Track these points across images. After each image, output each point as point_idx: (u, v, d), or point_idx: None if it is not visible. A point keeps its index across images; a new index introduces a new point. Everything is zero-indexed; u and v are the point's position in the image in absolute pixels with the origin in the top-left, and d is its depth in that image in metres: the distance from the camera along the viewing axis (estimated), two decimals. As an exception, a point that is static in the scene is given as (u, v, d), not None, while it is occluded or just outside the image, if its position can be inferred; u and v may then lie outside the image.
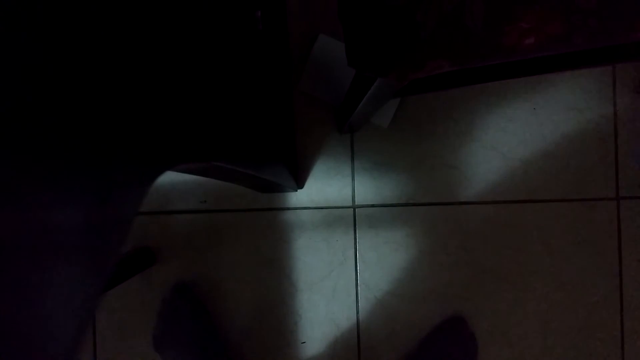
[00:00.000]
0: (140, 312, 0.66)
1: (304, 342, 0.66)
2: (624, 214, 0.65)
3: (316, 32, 0.64)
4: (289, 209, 0.66)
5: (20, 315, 0.13)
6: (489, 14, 0.26)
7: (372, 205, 0.66)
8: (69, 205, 0.15)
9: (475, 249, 0.65)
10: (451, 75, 0.40)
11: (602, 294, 0.65)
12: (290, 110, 0.65)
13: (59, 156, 0.15)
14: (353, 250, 0.66)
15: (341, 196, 0.66)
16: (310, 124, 0.66)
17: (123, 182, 0.18)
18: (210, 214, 0.66)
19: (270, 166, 0.47)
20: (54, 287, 0.14)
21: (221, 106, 0.33)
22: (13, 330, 0.13)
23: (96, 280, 0.17)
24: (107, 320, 0.66)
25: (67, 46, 0.16)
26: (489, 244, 0.65)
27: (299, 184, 0.66)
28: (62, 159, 0.15)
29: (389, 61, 0.29)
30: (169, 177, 0.67)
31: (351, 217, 0.66)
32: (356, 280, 0.66)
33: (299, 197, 0.66)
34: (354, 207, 0.66)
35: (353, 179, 0.66)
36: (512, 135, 0.66)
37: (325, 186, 0.66)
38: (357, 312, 0.66)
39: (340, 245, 0.66)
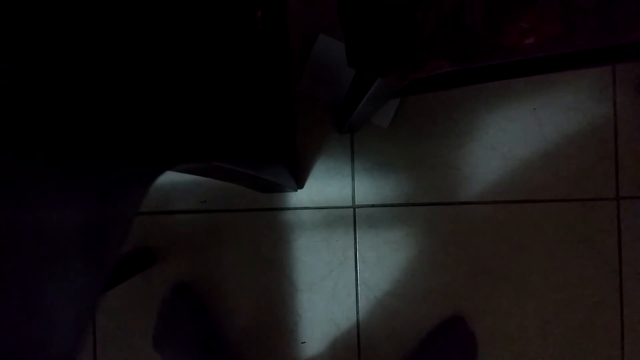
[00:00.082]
0: (140, 312, 0.66)
1: (304, 342, 0.66)
2: (624, 214, 0.65)
3: (316, 32, 0.64)
4: (289, 209, 0.66)
5: (20, 314, 0.13)
6: (489, 14, 0.26)
7: (372, 205, 0.66)
8: (69, 205, 0.15)
9: (475, 249, 0.65)
10: (451, 75, 0.40)
11: (602, 294, 0.65)
12: (290, 110, 0.65)
13: (59, 156, 0.15)
14: (353, 250, 0.66)
15: (341, 196, 0.66)
16: (310, 124, 0.66)
17: (123, 182, 0.18)
18: (210, 214, 0.66)
19: (270, 166, 0.47)
20: (54, 287, 0.14)
21: (221, 106, 0.33)
22: (13, 329, 0.13)
23: (96, 280, 0.16)
24: (107, 320, 0.66)
25: (68, 46, 0.16)
26: (488, 244, 0.65)
27: (299, 184, 0.66)
28: (62, 158, 0.15)
29: (389, 61, 0.29)
30: (169, 177, 0.67)
31: (351, 217, 0.66)
32: (356, 280, 0.66)
33: (299, 197, 0.66)
34: (354, 207, 0.66)
35: (353, 179, 0.66)
36: (512, 135, 0.66)
37: (325, 186, 0.66)
38: (357, 312, 0.66)
39: (340, 245, 0.66)
